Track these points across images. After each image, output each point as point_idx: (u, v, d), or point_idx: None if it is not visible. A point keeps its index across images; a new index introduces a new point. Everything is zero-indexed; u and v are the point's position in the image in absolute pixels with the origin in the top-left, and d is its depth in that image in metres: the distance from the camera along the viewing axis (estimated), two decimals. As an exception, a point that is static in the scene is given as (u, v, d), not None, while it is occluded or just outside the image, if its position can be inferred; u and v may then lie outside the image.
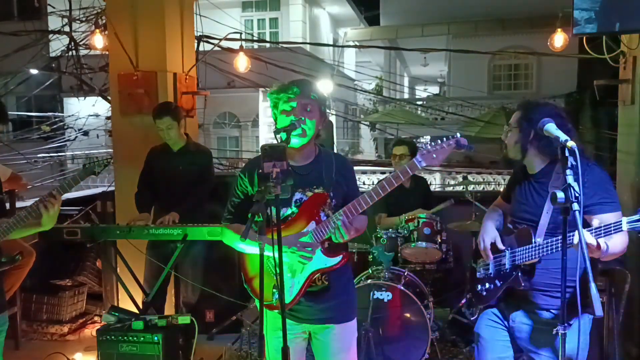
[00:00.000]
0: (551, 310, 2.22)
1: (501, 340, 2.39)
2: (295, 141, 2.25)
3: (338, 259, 2.30)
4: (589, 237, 1.91)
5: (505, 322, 2.38)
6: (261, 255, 2.00)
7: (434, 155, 2.15)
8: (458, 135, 2.16)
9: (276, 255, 1.95)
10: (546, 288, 2.22)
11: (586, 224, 2.04)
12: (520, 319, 2.31)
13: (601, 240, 1.95)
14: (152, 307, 3.75)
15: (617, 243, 2.04)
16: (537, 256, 2.17)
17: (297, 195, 2.31)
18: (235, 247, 2.38)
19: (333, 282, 2.35)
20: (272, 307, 2.31)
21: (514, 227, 2.38)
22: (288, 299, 2.30)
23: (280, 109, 2.27)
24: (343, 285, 2.41)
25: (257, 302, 2.45)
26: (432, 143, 2.16)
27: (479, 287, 2.46)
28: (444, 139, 2.16)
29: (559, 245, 2.01)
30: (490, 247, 2.38)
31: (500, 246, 2.35)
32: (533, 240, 2.20)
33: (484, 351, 2.44)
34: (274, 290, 2.26)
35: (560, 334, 1.97)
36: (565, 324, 1.96)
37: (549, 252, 2.11)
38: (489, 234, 2.40)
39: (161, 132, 3.94)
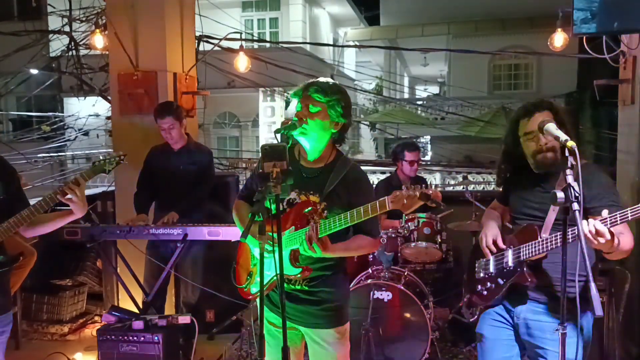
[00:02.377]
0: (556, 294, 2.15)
1: (506, 339, 2.37)
2: (301, 139, 2.28)
3: (296, 270, 2.23)
4: (599, 226, 1.88)
5: (510, 320, 2.36)
6: (261, 255, 2.00)
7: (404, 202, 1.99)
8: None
9: (276, 254, 1.94)
10: (554, 283, 2.19)
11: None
12: (525, 315, 2.29)
13: (613, 230, 1.91)
14: (152, 307, 3.75)
15: (626, 241, 2.05)
16: (543, 250, 2.16)
17: (292, 195, 2.30)
18: None
19: (317, 288, 2.31)
20: (244, 293, 2.43)
21: (514, 225, 2.38)
22: (255, 289, 2.36)
23: (296, 108, 2.30)
24: (328, 292, 2.32)
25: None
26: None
27: (479, 287, 2.44)
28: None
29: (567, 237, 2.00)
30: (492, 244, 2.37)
31: (502, 245, 2.34)
32: (539, 236, 2.18)
33: (488, 351, 2.40)
34: (248, 277, 2.40)
35: (560, 333, 1.97)
36: (566, 324, 1.96)
37: (555, 245, 2.09)
38: (491, 231, 2.40)
39: (163, 132, 3.95)
